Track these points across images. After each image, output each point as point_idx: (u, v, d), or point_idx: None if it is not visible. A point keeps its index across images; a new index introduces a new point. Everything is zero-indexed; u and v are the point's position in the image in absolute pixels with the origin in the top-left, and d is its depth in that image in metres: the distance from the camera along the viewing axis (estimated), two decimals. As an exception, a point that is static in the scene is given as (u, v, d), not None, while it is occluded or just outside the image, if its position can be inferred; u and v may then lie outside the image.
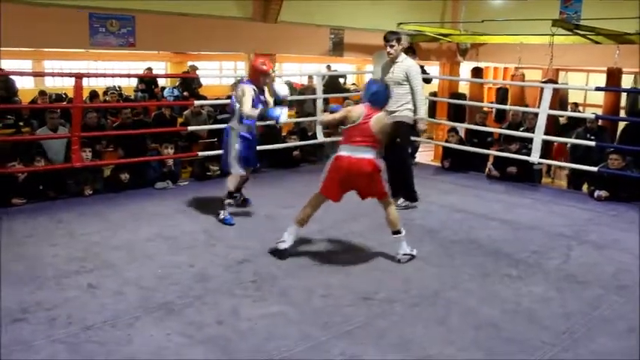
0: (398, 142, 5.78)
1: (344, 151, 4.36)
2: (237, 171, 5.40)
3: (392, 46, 5.81)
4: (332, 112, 4.63)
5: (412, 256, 4.48)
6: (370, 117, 4.35)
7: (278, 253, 4.45)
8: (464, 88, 12.80)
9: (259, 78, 5.29)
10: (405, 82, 5.80)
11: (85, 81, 6.62)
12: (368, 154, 4.33)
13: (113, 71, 13.55)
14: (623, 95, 10.36)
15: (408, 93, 5.80)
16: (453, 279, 4.19)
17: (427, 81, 8.71)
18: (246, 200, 5.92)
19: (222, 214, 5.37)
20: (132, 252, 4.59)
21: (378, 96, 4.48)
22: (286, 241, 4.45)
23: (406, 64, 5.85)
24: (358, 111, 4.40)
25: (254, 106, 5.12)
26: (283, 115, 4.96)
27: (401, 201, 5.92)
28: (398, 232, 4.45)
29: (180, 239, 4.92)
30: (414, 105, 5.82)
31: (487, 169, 7.66)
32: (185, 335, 3.30)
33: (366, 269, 4.35)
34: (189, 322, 3.46)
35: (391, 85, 5.40)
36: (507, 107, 9.27)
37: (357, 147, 4.33)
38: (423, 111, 5.91)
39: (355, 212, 5.24)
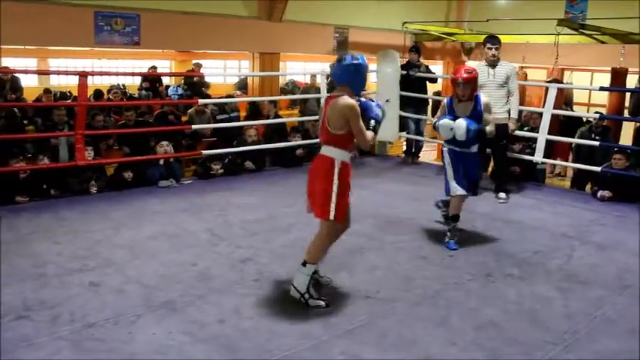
0: (504, 143, 6.38)
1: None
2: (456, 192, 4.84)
3: (497, 49, 6.20)
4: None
5: (305, 301, 3.67)
6: (327, 105, 3.65)
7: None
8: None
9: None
10: (505, 85, 6.21)
11: (89, 79, 6.65)
12: (326, 152, 3.63)
13: (117, 70, 13.59)
14: (627, 95, 10.32)
15: (505, 95, 6.23)
16: (455, 279, 4.19)
17: (432, 80, 8.70)
18: None
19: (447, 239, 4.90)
20: (134, 250, 4.60)
21: (346, 72, 3.60)
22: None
23: (508, 67, 6.25)
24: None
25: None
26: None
27: (503, 196, 6.34)
28: (305, 263, 3.68)
29: (183, 238, 4.93)
30: (511, 106, 6.28)
31: (490, 169, 7.64)
32: (187, 334, 3.31)
33: (368, 269, 4.34)
34: (192, 320, 3.47)
35: (493, 89, 5.93)
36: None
37: (323, 146, 3.70)
38: (516, 112, 6.35)
39: (356, 212, 5.23)
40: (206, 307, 3.64)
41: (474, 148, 4.82)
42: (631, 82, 10.67)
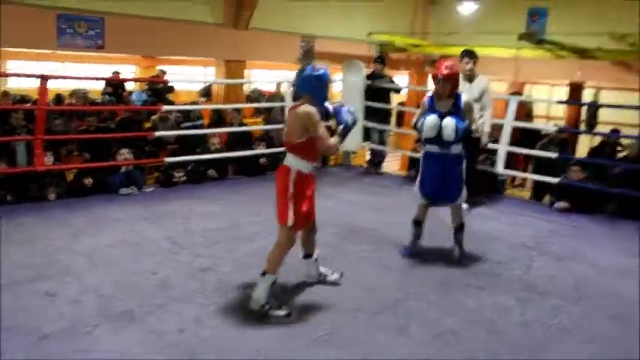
0: (474, 155, 6.35)
1: None
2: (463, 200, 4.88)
3: (474, 63, 6.21)
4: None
5: (265, 312, 3.64)
6: (290, 114, 3.75)
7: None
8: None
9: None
10: (480, 100, 6.20)
11: (51, 83, 6.51)
12: (286, 161, 3.73)
13: (80, 74, 13.34)
14: (583, 108, 10.64)
15: (480, 109, 6.16)
16: (416, 288, 4.23)
17: (396, 91, 8.80)
18: None
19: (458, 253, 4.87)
20: (93, 258, 4.52)
21: (308, 81, 3.70)
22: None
23: (482, 82, 6.28)
24: None
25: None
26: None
27: (465, 207, 6.01)
28: (265, 273, 3.69)
29: (143, 246, 4.86)
30: (484, 120, 6.24)
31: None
32: (146, 344, 3.26)
33: (330, 278, 4.35)
34: (151, 330, 3.42)
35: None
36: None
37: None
38: (489, 126, 6.32)
39: (319, 222, 5.25)
40: (166, 317, 3.59)
41: (455, 149, 4.64)
42: (587, 96, 11.01)
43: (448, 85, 4.55)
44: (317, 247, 4.19)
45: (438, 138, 4.55)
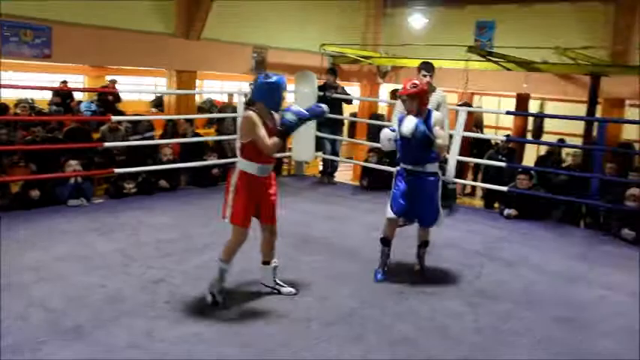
0: None
1: None
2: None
3: (431, 77, 5.91)
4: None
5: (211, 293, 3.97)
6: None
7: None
8: (383, 109, 13.10)
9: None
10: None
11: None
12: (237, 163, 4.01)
13: (26, 83, 12.97)
14: (530, 119, 10.97)
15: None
16: (369, 297, 4.24)
17: (348, 102, 8.87)
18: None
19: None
20: (40, 272, 4.37)
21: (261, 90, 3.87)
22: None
23: (439, 95, 6.03)
24: None
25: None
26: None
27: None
28: (221, 260, 3.97)
29: (92, 259, 4.74)
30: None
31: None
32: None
33: (284, 287, 4.32)
34: (101, 345, 3.33)
35: None
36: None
37: None
38: (445, 140, 5.61)
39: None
40: (116, 331, 3.50)
41: (430, 168, 4.48)
42: (533, 107, 11.34)
43: (414, 103, 4.36)
44: (275, 256, 4.19)
45: (412, 156, 4.43)
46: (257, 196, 3.92)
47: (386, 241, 4.64)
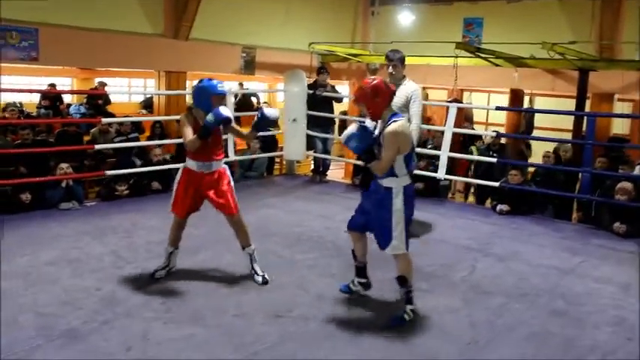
0: None
1: None
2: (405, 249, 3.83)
3: (395, 67, 5.31)
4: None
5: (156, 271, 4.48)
6: None
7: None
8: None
9: None
10: (406, 108, 5.28)
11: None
12: None
13: (13, 86, 12.89)
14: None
15: (408, 119, 5.23)
16: (365, 295, 4.24)
17: (338, 100, 8.87)
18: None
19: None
20: (31, 277, 4.34)
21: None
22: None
23: (410, 87, 5.35)
24: None
25: None
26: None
27: None
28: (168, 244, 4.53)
29: (85, 262, 4.72)
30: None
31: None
32: (90, 362, 3.16)
33: (278, 286, 4.32)
34: (96, 348, 3.31)
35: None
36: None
37: None
38: (416, 136, 5.25)
39: (267, 230, 5.25)
40: (111, 334, 3.49)
41: (387, 182, 3.71)
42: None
43: (364, 107, 3.82)
44: (251, 242, 4.42)
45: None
46: (197, 190, 4.30)
47: (353, 254, 4.18)
